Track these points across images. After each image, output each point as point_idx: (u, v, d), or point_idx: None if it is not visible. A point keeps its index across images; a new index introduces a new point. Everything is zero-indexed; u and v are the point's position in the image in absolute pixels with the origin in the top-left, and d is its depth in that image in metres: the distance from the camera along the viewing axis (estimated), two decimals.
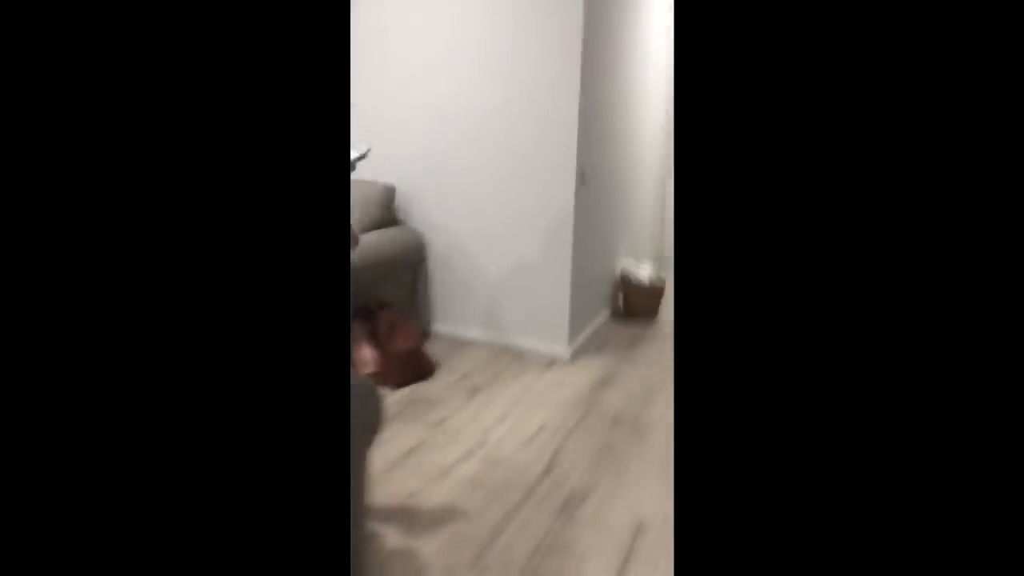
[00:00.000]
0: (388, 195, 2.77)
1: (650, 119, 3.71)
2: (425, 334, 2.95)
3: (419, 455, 1.94)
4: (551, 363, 2.69)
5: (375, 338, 2.51)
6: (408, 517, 1.64)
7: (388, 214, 2.80)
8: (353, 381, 1.36)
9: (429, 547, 1.52)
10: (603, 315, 3.20)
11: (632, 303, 3.32)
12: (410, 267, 2.86)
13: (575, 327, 2.74)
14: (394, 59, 2.73)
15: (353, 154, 1.76)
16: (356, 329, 2.50)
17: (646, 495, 1.77)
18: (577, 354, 2.76)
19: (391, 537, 1.56)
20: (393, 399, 2.31)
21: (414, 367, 2.48)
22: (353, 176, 2.69)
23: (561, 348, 2.70)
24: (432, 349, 2.75)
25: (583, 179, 2.57)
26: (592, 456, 1.97)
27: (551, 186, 2.55)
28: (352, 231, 1.64)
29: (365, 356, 2.48)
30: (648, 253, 3.94)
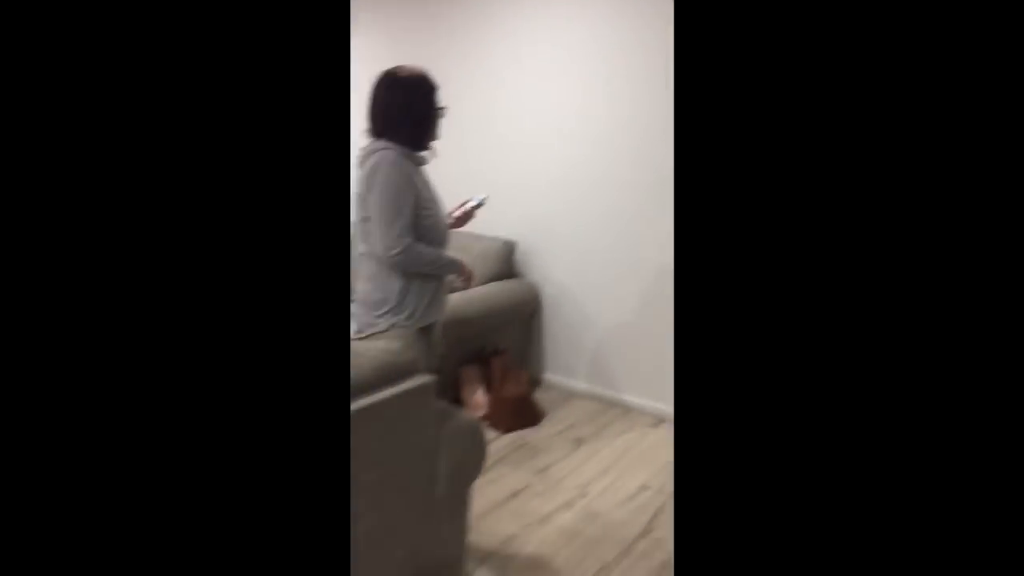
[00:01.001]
0: (508, 250, 2.96)
1: None
2: (536, 382, 3.06)
3: (520, 500, 2.02)
4: (659, 422, 2.66)
5: (487, 383, 2.65)
6: (503, 561, 1.72)
7: (507, 267, 2.98)
8: (461, 422, 1.49)
9: None
10: None
11: None
12: (525, 318, 3.01)
13: None
14: (519, 134, 2.96)
15: (474, 200, 1.95)
16: (470, 373, 2.67)
17: None
18: None
19: None
20: (501, 443, 2.42)
21: (523, 413, 2.58)
22: (476, 230, 2.92)
23: (669, 407, 2.67)
24: (542, 398, 2.84)
25: None
26: None
27: (653, 244, 2.60)
28: (468, 268, 1.81)
29: (478, 400, 2.63)
30: None
